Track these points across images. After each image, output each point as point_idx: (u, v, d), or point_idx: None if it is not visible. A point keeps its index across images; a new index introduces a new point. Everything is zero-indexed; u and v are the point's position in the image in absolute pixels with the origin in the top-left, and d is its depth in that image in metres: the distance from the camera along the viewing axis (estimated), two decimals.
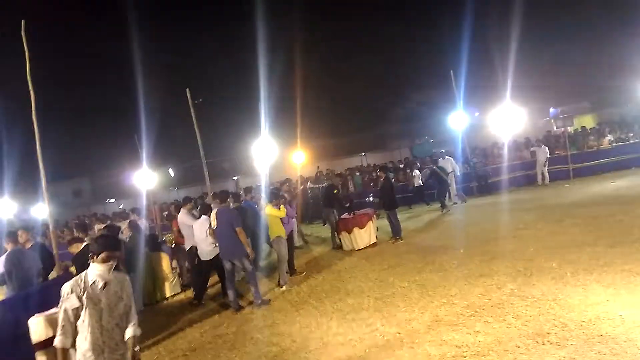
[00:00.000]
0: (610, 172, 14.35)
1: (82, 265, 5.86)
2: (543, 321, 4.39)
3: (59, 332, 3.00)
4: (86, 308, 3.01)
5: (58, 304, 3.11)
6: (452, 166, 14.33)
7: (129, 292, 3.27)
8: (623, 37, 20.46)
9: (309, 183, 17.01)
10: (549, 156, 15.06)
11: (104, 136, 33.84)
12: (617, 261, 5.68)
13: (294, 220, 9.55)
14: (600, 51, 23.28)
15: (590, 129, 18.64)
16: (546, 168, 15.04)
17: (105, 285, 3.11)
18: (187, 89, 12.09)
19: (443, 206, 13.26)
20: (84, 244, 6.31)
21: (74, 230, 8.69)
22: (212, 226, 7.15)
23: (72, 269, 6.47)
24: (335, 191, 11.20)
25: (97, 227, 10.98)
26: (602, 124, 20.11)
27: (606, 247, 6.40)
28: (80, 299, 3.02)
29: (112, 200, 31.50)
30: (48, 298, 6.21)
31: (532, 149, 15.80)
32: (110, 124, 33.72)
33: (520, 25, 19.74)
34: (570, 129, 19.09)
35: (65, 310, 3.01)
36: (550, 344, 3.93)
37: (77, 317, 3.02)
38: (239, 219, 7.02)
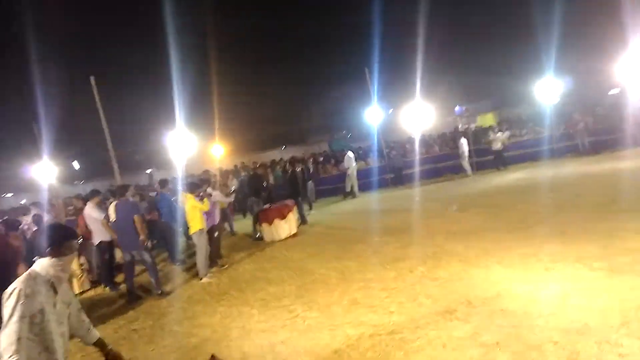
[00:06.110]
0: (509, 165, 15.66)
1: None
2: (451, 300, 4.74)
3: (11, 351, 2.24)
4: (46, 313, 2.42)
5: None
6: (351, 162, 14.95)
7: (72, 293, 2.84)
8: (521, 41, 22.35)
9: (230, 176, 16.72)
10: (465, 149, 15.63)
11: None
12: (514, 245, 6.25)
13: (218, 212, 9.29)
14: (501, 54, 25.19)
15: (489, 126, 20.18)
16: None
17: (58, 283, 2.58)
18: (91, 77, 11.27)
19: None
20: None
21: None
22: (110, 219, 7.06)
23: None
24: (264, 182, 11.18)
25: None
26: (501, 121, 21.88)
27: (505, 232, 7.02)
28: (39, 301, 2.41)
29: (9, 194, 28.71)
30: None
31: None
32: (4, 113, 30.38)
33: (429, 26, 20.75)
34: (473, 126, 20.50)
35: (22, 319, 2.30)
36: (457, 319, 4.27)
37: (37, 325, 2.37)
38: (137, 208, 7.08)
